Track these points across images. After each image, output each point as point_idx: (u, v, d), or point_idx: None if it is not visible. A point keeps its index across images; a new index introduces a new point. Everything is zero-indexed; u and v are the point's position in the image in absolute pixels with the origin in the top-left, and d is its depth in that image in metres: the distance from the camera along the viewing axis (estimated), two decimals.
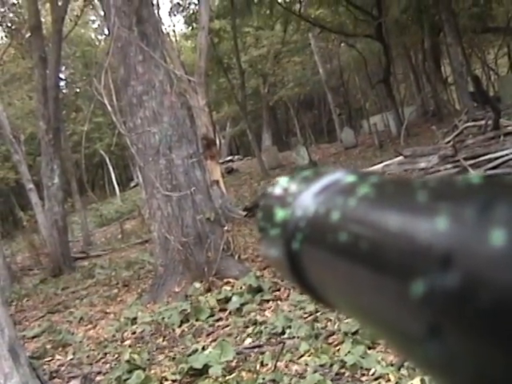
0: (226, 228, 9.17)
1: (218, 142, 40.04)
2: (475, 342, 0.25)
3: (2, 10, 27.83)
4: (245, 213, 17.67)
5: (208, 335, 6.38)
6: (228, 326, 6.47)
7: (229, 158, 39.27)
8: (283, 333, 5.63)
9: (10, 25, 27.74)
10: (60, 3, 17.47)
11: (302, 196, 0.47)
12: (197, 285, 7.79)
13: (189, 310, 7.03)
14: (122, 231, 23.62)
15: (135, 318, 7.61)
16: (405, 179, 0.39)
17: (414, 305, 0.28)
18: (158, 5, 19.35)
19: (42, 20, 20.14)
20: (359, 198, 0.38)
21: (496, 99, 29.64)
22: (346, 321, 5.28)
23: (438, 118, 28.93)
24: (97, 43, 39.08)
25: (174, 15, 35.47)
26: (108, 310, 9.03)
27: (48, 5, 20.50)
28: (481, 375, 0.25)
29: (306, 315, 5.89)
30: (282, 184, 0.53)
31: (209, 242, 8.22)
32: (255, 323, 6.17)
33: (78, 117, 38.37)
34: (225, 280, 8.00)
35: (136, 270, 12.32)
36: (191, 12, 31.01)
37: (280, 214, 0.48)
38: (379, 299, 0.32)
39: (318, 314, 5.79)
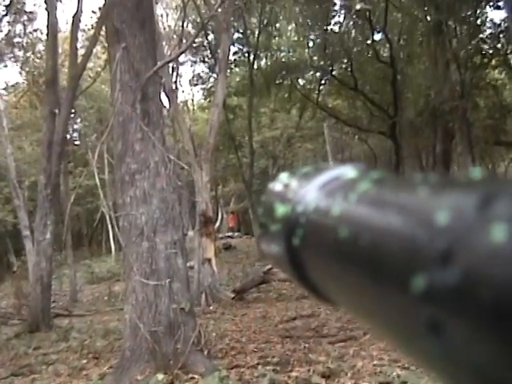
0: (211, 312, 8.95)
1: (220, 216, 40.06)
2: (476, 337, 0.25)
3: (27, 54, 28.25)
4: (233, 295, 17.50)
5: None
6: None
7: (229, 234, 39.17)
8: None
9: (31, 70, 28.06)
10: (79, 61, 17.61)
11: (303, 192, 0.48)
12: (159, 376, 7.53)
13: None
14: (109, 293, 23.37)
15: None
16: (405, 176, 0.39)
17: (415, 300, 0.28)
18: (178, 73, 19.40)
19: (63, 73, 20.41)
20: (360, 194, 0.39)
21: None
22: None
23: None
24: None
25: (194, 86, 35.78)
26: None
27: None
28: (482, 370, 0.26)
29: None
30: (282, 180, 0.54)
31: (180, 333, 8.01)
32: None
33: (85, 171, 38.44)
34: (190, 375, 7.76)
35: (111, 341, 12.06)
36: (210, 85, 31.34)
37: (281, 209, 0.49)
38: (380, 295, 0.33)
39: None
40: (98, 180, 8.37)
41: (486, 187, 0.28)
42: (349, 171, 0.46)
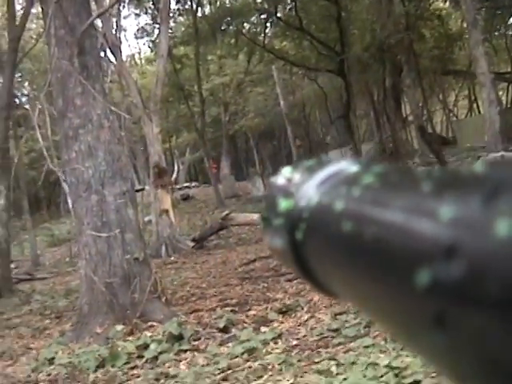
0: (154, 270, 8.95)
1: (176, 167, 39.92)
2: (482, 330, 0.25)
3: None
4: (192, 244, 17.58)
5: None
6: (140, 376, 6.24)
7: (186, 184, 39.14)
8: None
9: None
10: (17, 23, 17.27)
11: (306, 186, 0.48)
12: (118, 328, 7.55)
13: (106, 355, 6.81)
14: (70, 253, 23.30)
15: (53, 358, 7.35)
16: (409, 169, 0.39)
17: (419, 294, 0.28)
18: (120, 28, 19.12)
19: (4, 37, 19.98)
20: (363, 188, 0.39)
21: (453, 142, 29.87)
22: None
23: (396, 157, 28.98)
24: None
25: (140, 39, 35.42)
26: (32, 345, 8.71)
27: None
28: (487, 364, 0.26)
29: (217, 371, 5.68)
30: (285, 174, 0.54)
31: (135, 283, 8.02)
32: (167, 376, 5.95)
33: (36, 134, 37.80)
34: (149, 323, 7.78)
35: (73, 300, 12.01)
36: (155, 37, 31.04)
37: (283, 203, 0.49)
38: (384, 289, 0.33)
39: (229, 371, 5.60)
40: (40, 138, 8.21)
41: (490, 181, 0.27)
42: (351, 165, 0.45)
